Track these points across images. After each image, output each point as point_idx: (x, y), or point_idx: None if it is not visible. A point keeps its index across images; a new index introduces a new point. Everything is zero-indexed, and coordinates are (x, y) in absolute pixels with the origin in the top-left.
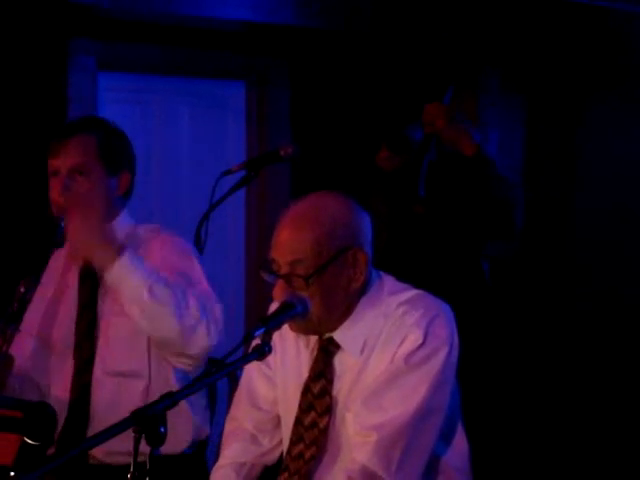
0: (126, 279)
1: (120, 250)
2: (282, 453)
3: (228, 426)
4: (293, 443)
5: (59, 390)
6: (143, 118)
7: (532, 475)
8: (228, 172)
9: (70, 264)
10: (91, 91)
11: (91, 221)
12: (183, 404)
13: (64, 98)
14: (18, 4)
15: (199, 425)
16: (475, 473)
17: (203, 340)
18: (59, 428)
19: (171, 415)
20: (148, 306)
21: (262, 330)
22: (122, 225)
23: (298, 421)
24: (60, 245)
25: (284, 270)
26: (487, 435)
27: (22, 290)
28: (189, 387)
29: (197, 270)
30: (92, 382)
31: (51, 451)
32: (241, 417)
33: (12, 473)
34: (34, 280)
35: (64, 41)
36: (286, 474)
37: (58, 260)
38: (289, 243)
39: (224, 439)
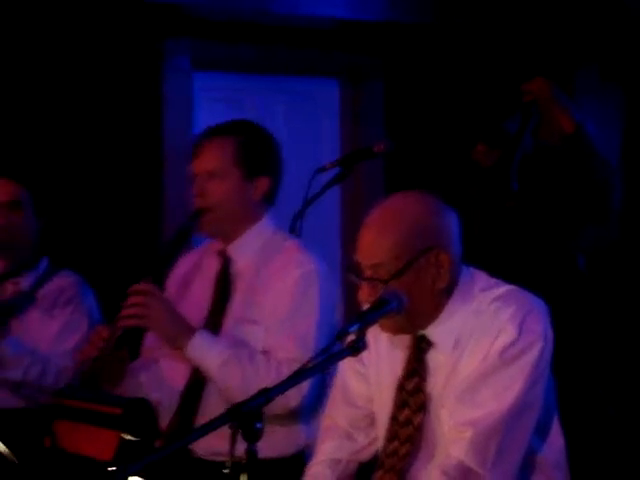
0: (198, 358)
1: (193, 332)
2: (377, 450)
3: (323, 423)
4: (388, 440)
5: (173, 382)
6: (238, 117)
7: (630, 470)
8: (322, 169)
9: (199, 269)
10: (186, 91)
11: (171, 310)
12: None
13: (159, 98)
14: (114, 6)
15: (310, 437)
16: (571, 468)
17: (278, 408)
18: (168, 420)
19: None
20: (217, 381)
21: (357, 326)
22: (261, 231)
23: (393, 418)
24: (189, 237)
25: (367, 273)
26: (583, 430)
27: None
28: (284, 384)
29: (307, 317)
30: (205, 388)
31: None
32: (336, 414)
33: (111, 468)
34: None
35: (159, 42)
36: (381, 471)
37: (183, 265)
38: (369, 247)
39: (319, 436)
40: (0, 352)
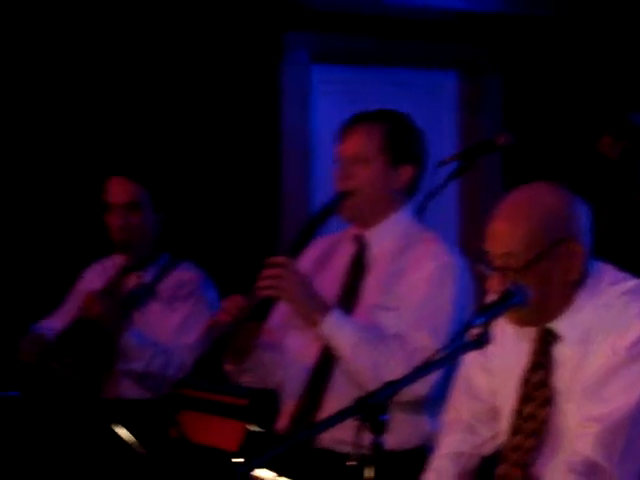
0: (331, 335)
1: (328, 309)
2: (499, 444)
3: (446, 416)
4: (512, 434)
5: (302, 360)
6: (356, 109)
7: None
8: (443, 163)
9: (333, 253)
10: (304, 84)
11: (307, 284)
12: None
13: (278, 92)
14: (234, 0)
15: (433, 431)
16: None
17: (405, 396)
18: (296, 399)
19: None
20: (348, 362)
21: (482, 319)
22: (400, 220)
23: (517, 412)
24: (329, 218)
25: (497, 262)
26: None
27: None
28: (410, 376)
29: (442, 308)
30: (334, 369)
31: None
32: (459, 407)
33: (237, 459)
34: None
35: (279, 35)
36: (505, 465)
37: (315, 248)
38: (502, 236)
39: (442, 429)
40: (124, 343)
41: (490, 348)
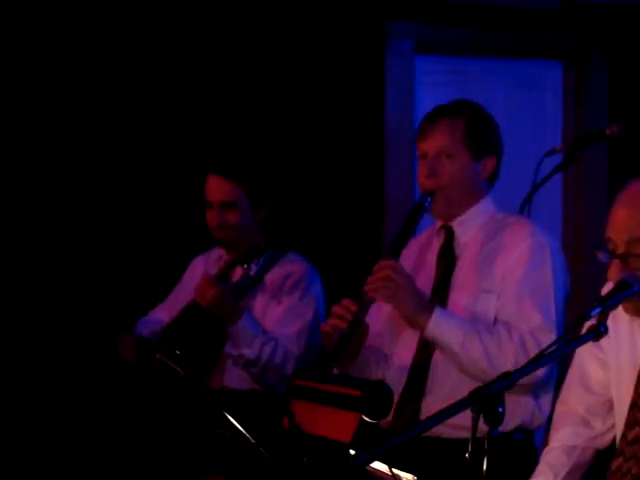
0: (438, 336)
1: (432, 310)
2: (615, 437)
3: (558, 409)
4: (628, 427)
5: (400, 361)
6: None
7: None
8: (551, 152)
9: (428, 243)
10: (408, 74)
11: (413, 286)
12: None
13: (382, 82)
14: None
15: (535, 410)
16: None
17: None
18: (396, 397)
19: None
20: (459, 357)
21: (598, 310)
22: (482, 210)
23: (634, 405)
24: (420, 217)
25: (620, 249)
26: None
27: None
28: (524, 368)
29: (544, 286)
30: (432, 360)
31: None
32: (572, 400)
33: (352, 451)
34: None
35: (383, 25)
36: (621, 459)
37: (409, 248)
38: (625, 222)
39: (554, 422)
40: (236, 329)
41: (605, 340)
